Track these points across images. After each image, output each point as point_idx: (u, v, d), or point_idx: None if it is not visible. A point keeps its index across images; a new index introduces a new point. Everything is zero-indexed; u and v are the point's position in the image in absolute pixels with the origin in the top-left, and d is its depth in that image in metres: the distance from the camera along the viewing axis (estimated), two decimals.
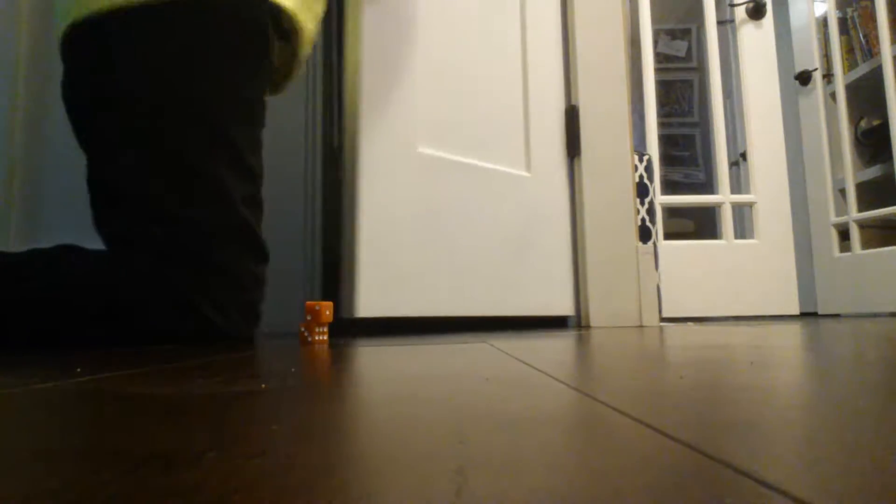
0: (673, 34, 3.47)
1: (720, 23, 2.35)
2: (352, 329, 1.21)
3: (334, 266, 1.35)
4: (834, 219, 2.35)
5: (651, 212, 1.76)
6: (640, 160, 1.77)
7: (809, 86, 2.45)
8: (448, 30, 1.39)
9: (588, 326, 1.49)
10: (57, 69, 1.36)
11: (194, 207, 0.86)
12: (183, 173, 0.87)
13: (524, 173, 1.52)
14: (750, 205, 2.19)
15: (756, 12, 2.22)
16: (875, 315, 2.17)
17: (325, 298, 1.27)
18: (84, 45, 0.88)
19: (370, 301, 1.18)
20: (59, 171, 1.36)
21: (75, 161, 1.36)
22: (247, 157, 0.92)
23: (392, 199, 1.24)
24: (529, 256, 1.50)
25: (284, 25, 0.96)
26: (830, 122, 2.38)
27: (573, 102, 1.64)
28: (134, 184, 0.87)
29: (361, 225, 1.19)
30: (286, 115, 1.37)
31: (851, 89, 2.33)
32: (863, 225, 2.25)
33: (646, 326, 1.44)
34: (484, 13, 1.49)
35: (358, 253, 1.18)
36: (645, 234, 1.71)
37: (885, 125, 2.19)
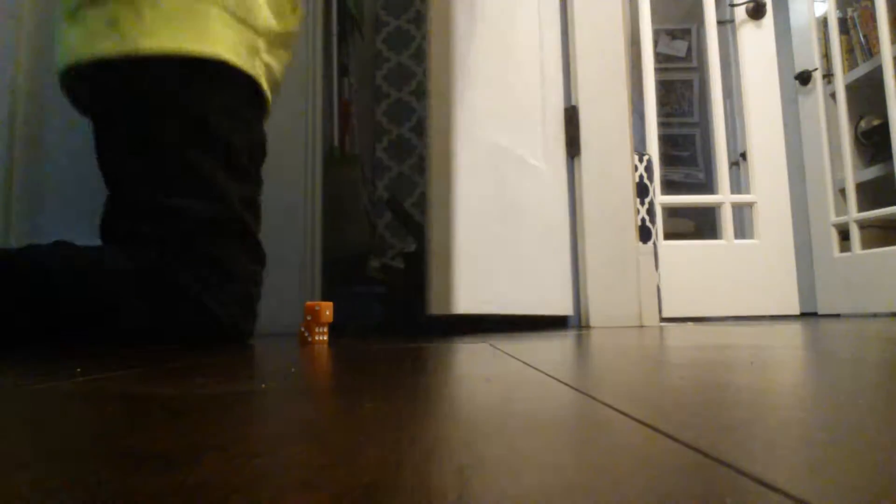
0: (673, 34, 3.46)
1: (720, 23, 2.35)
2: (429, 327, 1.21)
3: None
4: (834, 219, 2.35)
5: (651, 212, 1.76)
6: (640, 160, 1.77)
7: (809, 86, 2.45)
8: (493, 29, 1.38)
9: (588, 326, 1.49)
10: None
11: (192, 201, 0.87)
12: (180, 171, 0.88)
13: (542, 165, 1.51)
14: (750, 205, 2.19)
15: (756, 12, 2.22)
16: (875, 315, 2.17)
17: (324, 299, 1.26)
18: (88, 80, 0.91)
19: (465, 297, 1.16)
20: (59, 172, 1.36)
21: (75, 161, 1.36)
22: (244, 160, 0.94)
23: (469, 191, 1.22)
24: (539, 253, 1.50)
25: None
26: (830, 122, 2.37)
27: (573, 102, 1.64)
28: (134, 183, 0.89)
29: (458, 215, 1.16)
30: (287, 117, 1.37)
31: (851, 89, 2.33)
32: (863, 225, 2.25)
33: (646, 326, 1.43)
34: (510, 9, 1.48)
35: (454, 247, 1.15)
36: (645, 234, 1.71)
37: (885, 125, 2.19)
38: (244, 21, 0.94)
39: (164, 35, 0.87)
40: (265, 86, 1.00)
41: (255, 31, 0.96)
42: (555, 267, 1.54)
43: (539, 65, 1.55)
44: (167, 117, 0.89)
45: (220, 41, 0.91)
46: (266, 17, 0.97)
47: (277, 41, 1.01)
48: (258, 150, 1.01)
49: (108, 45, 0.87)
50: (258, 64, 0.97)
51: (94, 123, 0.93)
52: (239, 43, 0.94)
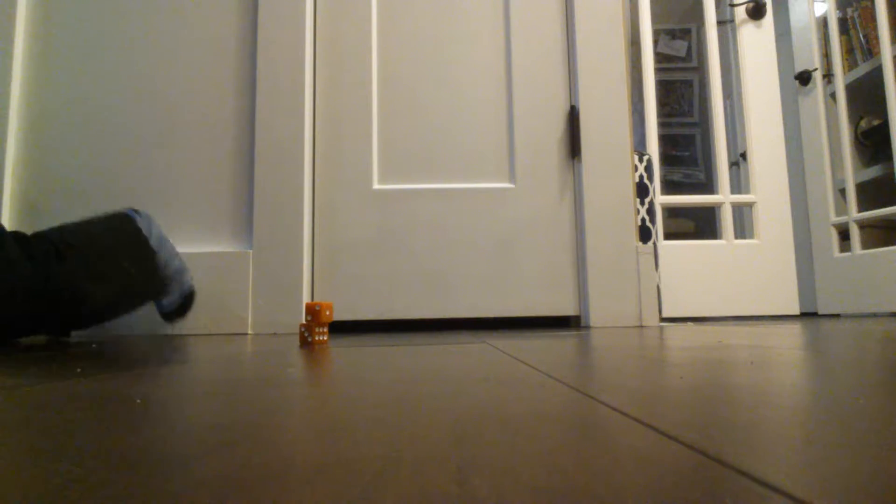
0: (673, 34, 3.46)
1: (720, 23, 2.34)
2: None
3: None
4: (834, 219, 2.35)
5: (651, 212, 1.76)
6: (640, 160, 1.77)
7: (809, 86, 2.45)
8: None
9: (588, 326, 1.49)
10: (56, 69, 1.36)
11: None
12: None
13: (508, 185, 1.52)
14: (750, 205, 2.19)
15: (756, 12, 2.22)
16: (875, 315, 2.17)
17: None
18: None
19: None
20: (59, 172, 1.36)
21: (75, 161, 1.36)
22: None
23: None
24: (526, 258, 1.50)
25: None
26: (830, 122, 2.37)
27: (573, 103, 1.64)
28: None
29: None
30: (287, 123, 1.37)
31: (851, 89, 2.33)
32: (863, 225, 2.25)
33: (646, 326, 1.43)
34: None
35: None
36: (645, 234, 1.71)
37: (885, 125, 2.19)
38: None
39: None
40: None
41: None
42: (548, 269, 1.55)
43: (505, 82, 1.59)
44: None
45: None
46: None
47: None
48: None
49: None
50: None
51: None
52: None
